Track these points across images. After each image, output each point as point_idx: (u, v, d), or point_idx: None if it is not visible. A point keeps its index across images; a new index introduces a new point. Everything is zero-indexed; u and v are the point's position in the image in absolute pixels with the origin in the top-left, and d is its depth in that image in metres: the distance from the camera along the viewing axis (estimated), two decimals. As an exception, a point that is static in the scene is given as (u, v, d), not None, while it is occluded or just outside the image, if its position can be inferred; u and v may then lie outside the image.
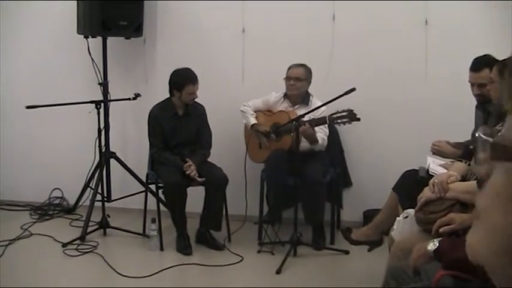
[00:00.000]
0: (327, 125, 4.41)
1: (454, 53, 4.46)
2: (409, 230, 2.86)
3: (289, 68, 4.47)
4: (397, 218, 2.99)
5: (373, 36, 4.65)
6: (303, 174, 4.23)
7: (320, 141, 4.39)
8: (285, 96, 4.56)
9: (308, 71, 4.46)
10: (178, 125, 4.48)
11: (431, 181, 2.83)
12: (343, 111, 4.04)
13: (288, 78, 4.45)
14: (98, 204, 4.57)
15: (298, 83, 4.44)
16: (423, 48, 4.55)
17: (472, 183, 2.68)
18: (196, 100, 4.46)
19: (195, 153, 4.48)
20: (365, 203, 4.74)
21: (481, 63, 3.53)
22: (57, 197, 5.27)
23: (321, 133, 4.41)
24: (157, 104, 4.50)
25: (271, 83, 4.59)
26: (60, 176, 5.22)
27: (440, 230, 2.50)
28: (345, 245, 4.03)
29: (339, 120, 4.07)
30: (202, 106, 4.57)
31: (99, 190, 4.60)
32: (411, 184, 3.30)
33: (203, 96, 4.48)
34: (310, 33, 4.73)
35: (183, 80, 4.33)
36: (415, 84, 4.62)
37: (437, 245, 2.20)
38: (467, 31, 4.47)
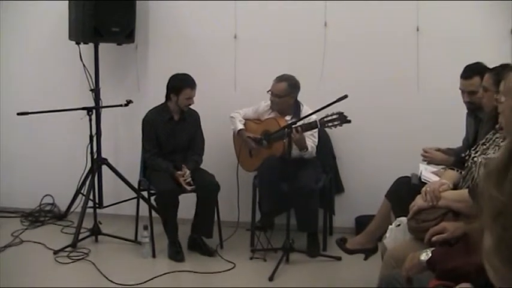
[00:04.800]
0: (316, 134, 4.43)
1: (445, 60, 4.48)
2: (402, 238, 2.87)
3: (275, 80, 4.44)
4: (390, 226, 2.99)
5: (365, 43, 4.67)
6: (295, 180, 4.23)
7: (309, 148, 4.39)
8: None
9: (291, 86, 4.41)
10: (174, 130, 4.48)
11: (423, 189, 2.83)
12: (333, 114, 4.05)
13: (271, 93, 4.45)
14: (90, 210, 4.54)
15: (278, 99, 4.43)
16: (415, 55, 4.58)
17: (464, 192, 2.69)
18: (190, 107, 4.47)
19: (188, 160, 4.47)
20: (357, 209, 4.75)
21: (472, 71, 3.56)
22: (49, 204, 5.25)
23: (310, 141, 4.41)
24: (152, 109, 4.49)
25: (263, 90, 4.57)
26: (51, 182, 5.20)
27: (433, 238, 2.51)
28: (338, 252, 4.01)
29: (330, 124, 4.07)
30: (197, 112, 4.58)
31: (91, 196, 4.56)
32: (404, 191, 3.31)
33: (195, 103, 4.47)
34: (302, 39, 4.75)
35: (181, 83, 4.34)
36: (407, 91, 4.64)
37: (430, 255, 2.21)
38: (458, 38, 4.49)
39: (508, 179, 0.95)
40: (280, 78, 4.42)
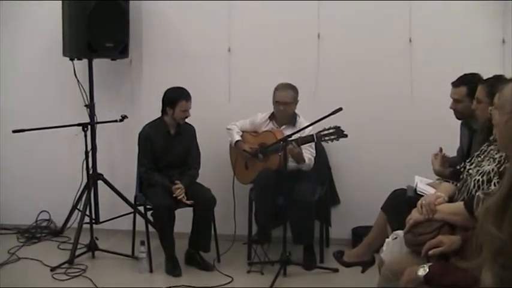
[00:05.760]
0: (313, 146, 4.45)
1: (438, 71, 4.50)
2: (399, 251, 2.86)
3: (277, 89, 4.47)
4: (387, 240, 2.99)
5: (359, 54, 4.71)
6: (291, 193, 4.24)
7: (307, 161, 4.41)
8: (272, 116, 4.59)
9: (295, 91, 4.48)
10: (170, 144, 4.50)
11: (419, 202, 2.83)
12: (330, 128, 4.08)
13: (277, 103, 4.46)
14: (86, 226, 4.53)
15: (288, 107, 4.47)
16: (408, 66, 4.61)
17: (460, 204, 2.70)
18: (187, 121, 4.49)
19: (184, 175, 4.48)
20: (353, 220, 4.78)
21: (461, 80, 3.66)
22: (45, 220, 5.23)
23: (308, 153, 4.43)
24: (148, 123, 4.52)
25: (258, 102, 4.64)
26: (47, 198, 5.18)
27: (430, 252, 2.51)
28: (335, 263, 3.99)
29: (327, 138, 4.09)
30: (192, 126, 4.59)
31: (87, 212, 4.56)
32: (400, 204, 3.32)
33: (192, 117, 4.49)
34: (296, 52, 4.78)
35: (176, 96, 4.37)
36: (401, 103, 4.68)
37: (428, 270, 2.22)
38: (451, 49, 4.54)
39: (507, 217, 0.94)
40: (285, 87, 4.45)
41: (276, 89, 4.47)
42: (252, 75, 4.85)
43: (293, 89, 4.47)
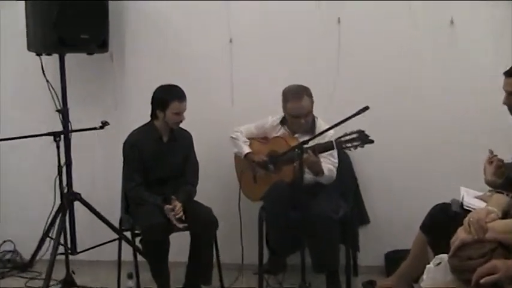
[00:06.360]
0: (335, 154, 4.44)
1: (485, 60, 4.52)
2: (443, 279, 2.84)
3: (287, 99, 4.46)
4: (427, 266, 2.97)
5: (385, 42, 4.73)
6: (310, 211, 4.21)
7: (326, 172, 4.41)
8: (284, 121, 4.60)
9: (309, 94, 4.46)
10: (162, 154, 4.52)
11: (466, 219, 2.81)
12: (352, 132, 4.05)
13: (293, 118, 4.46)
14: (61, 257, 4.47)
15: (307, 117, 4.47)
16: (449, 54, 4.63)
17: (516, 221, 2.67)
18: (182, 126, 4.49)
19: (179, 191, 4.48)
20: (386, 244, 4.81)
21: None
22: (8, 251, 5.24)
23: (328, 163, 4.44)
24: (135, 130, 4.53)
25: (266, 104, 4.69)
26: (11, 225, 5.19)
27: (482, 281, 2.49)
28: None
29: (348, 144, 4.07)
30: (189, 133, 4.62)
31: (61, 240, 4.48)
32: (442, 222, 3.32)
33: (186, 120, 4.49)
34: (312, 40, 4.82)
35: (167, 95, 4.38)
36: (440, 98, 4.70)
37: (479, 302, 2.22)
38: (493, 36, 4.56)
39: None
40: (300, 93, 4.42)
41: (287, 100, 4.46)
42: (258, 72, 4.89)
43: (306, 92, 4.44)
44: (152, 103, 4.47)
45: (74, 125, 4.63)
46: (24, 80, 5.05)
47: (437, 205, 3.54)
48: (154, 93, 4.46)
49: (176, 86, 4.42)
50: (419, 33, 4.68)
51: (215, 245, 4.46)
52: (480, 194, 3.48)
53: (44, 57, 4.58)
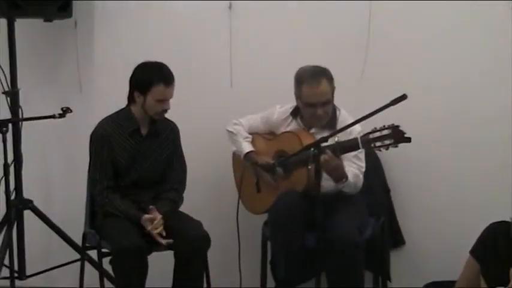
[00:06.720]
0: (362, 155, 4.34)
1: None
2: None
3: (300, 82, 4.36)
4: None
5: (420, 24, 4.72)
6: (328, 230, 4.09)
7: (351, 178, 4.27)
8: (295, 112, 4.51)
9: (329, 77, 4.37)
10: (140, 150, 4.39)
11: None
12: (384, 128, 3.87)
13: (308, 106, 4.34)
14: (4, 283, 4.38)
15: (328, 106, 4.35)
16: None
17: None
18: (166, 115, 4.43)
19: (161, 199, 4.37)
20: (426, 272, 4.70)
21: None
22: None
23: (353, 167, 4.33)
24: (106, 118, 4.42)
25: (272, 86, 4.71)
26: None
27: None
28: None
29: (378, 143, 3.88)
30: (175, 124, 4.53)
31: (6, 261, 4.39)
32: (499, 245, 3.42)
33: (173, 108, 4.34)
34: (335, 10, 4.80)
35: (150, 76, 4.24)
36: (494, 89, 4.64)
37: None
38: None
39: None
40: (318, 76, 4.30)
41: (300, 83, 4.37)
42: (262, 42, 4.86)
43: (326, 74, 4.35)
44: (130, 84, 4.32)
45: (26, 111, 4.60)
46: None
47: (492, 224, 3.59)
48: (133, 72, 4.34)
49: (163, 65, 4.31)
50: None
51: (205, 269, 4.31)
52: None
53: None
